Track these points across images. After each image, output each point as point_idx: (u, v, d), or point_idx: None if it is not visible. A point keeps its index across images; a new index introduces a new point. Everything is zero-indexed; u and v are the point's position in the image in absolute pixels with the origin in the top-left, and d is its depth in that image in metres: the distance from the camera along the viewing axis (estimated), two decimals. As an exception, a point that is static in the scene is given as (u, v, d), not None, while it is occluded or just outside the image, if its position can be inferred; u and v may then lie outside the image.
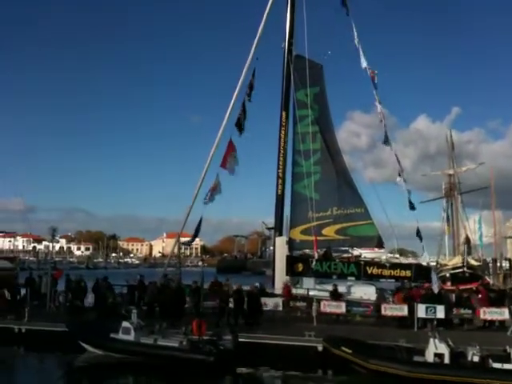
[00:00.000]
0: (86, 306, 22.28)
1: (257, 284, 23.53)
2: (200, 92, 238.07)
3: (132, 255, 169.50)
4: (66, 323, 18.60)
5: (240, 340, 16.49)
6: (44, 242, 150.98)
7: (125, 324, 17.03)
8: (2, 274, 24.52)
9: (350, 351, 15.11)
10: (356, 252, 42.91)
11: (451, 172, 61.26)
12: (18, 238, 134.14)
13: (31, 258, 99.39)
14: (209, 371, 15.63)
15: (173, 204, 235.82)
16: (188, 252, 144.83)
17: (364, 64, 26.90)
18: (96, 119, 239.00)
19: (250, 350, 16.54)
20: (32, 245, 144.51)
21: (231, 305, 20.04)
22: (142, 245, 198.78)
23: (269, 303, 21.33)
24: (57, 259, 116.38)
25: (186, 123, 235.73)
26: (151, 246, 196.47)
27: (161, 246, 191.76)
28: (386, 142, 26.55)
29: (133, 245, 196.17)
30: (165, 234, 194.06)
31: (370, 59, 27.57)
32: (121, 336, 16.94)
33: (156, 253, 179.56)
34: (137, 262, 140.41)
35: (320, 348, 16.59)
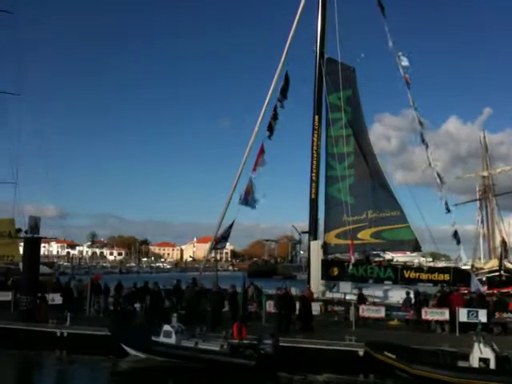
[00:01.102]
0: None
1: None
2: (229, 96, 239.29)
3: (163, 260, 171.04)
4: (109, 327, 18.89)
5: (280, 344, 16.48)
6: (78, 248, 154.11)
7: (166, 327, 17.22)
8: (42, 280, 24.97)
9: (393, 356, 14.94)
10: (388, 256, 42.52)
11: (485, 174, 60.23)
12: (53, 243, 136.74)
13: (65, 263, 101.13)
14: (250, 375, 15.69)
15: (202, 209, 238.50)
16: (218, 256, 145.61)
17: (405, 63, 26.58)
18: (126, 126, 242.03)
19: (290, 355, 16.54)
20: (66, 250, 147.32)
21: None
22: (172, 249, 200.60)
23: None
24: (90, 264, 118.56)
25: (215, 127, 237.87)
26: (182, 251, 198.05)
27: (191, 251, 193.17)
28: (423, 142, 26.24)
29: (164, 249, 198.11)
30: (195, 239, 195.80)
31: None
32: (162, 339, 17.13)
33: (187, 257, 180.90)
34: (168, 266, 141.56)
35: (361, 353, 16.46)
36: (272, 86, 28.12)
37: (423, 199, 29.00)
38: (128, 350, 18.04)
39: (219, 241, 27.31)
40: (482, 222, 60.30)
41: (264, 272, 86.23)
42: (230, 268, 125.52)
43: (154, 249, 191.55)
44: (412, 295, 22.15)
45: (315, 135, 28.15)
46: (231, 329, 17.04)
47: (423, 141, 26.37)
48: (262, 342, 16.27)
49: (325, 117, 28.41)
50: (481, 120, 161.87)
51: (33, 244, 22.02)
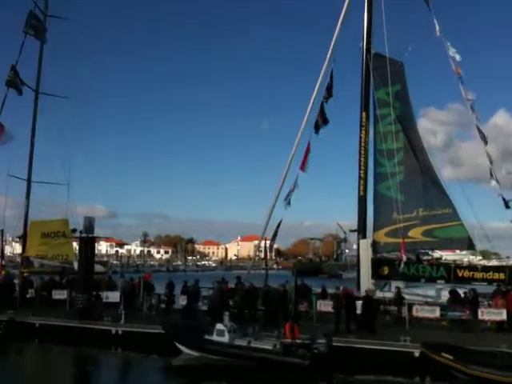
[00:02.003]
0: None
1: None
2: (270, 96, 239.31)
3: (208, 258, 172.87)
4: (162, 325, 19.19)
5: (334, 344, 16.34)
6: (126, 246, 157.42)
7: (219, 326, 17.37)
8: (97, 278, 25.62)
9: (450, 357, 14.60)
10: (437, 254, 41.49)
11: (540, 169, 58.00)
12: (102, 242, 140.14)
13: (114, 262, 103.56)
14: (303, 375, 15.63)
15: (245, 208, 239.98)
16: (262, 255, 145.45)
17: (456, 55, 25.85)
18: (170, 126, 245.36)
19: (343, 355, 16.39)
20: (115, 249, 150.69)
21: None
22: (217, 248, 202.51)
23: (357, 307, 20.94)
24: (138, 262, 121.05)
25: (255, 127, 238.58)
26: (226, 249, 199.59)
27: (236, 249, 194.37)
28: (481, 137, 25.44)
29: (209, 248, 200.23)
30: (239, 238, 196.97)
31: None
32: (215, 338, 17.28)
33: (231, 256, 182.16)
34: (213, 264, 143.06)
35: (416, 353, 16.14)
36: (318, 83, 27.85)
37: (472, 196, 27.99)
38: (181, 348, 18.28)
39: (271, 241, 27.37)
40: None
41: (309, 271, 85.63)
42: (275, 266, 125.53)
43: (199, 247, 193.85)
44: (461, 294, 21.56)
45: (363, 132, 27.71)
46: (283, 328, 17.00)
47: (481, 135, 25.52)
48: (315, 341, 16.17)
49: (372, 113, 27.95)
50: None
51: (88, 243, 22.63)
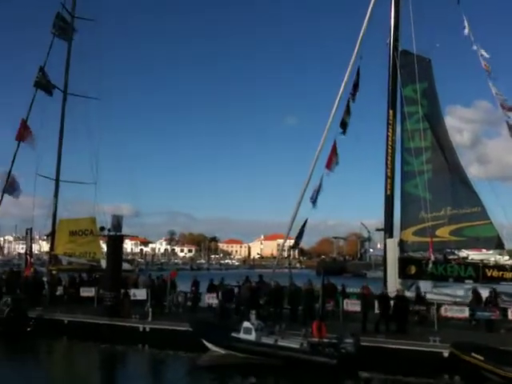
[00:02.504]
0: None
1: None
2: (296, 92, 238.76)
3: (231, 257, 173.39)
4: (190, 322, 19.32)
5: (361, 344, 16.23)
6: (150, 245, 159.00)
7: (246, 324, 17.40)
8: (124, 276, 25.89)
9: (481, 358, 14.36)
10: (463, 253, 40.85)
11: None
12: (127, 240, 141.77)
13: (139, 260, 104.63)
14: (330, 374, 15.54)
15: (268, 207, 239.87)
16: (285, 254, 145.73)
17: (485, 54, 25.41)
18: (190, 121, 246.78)
19: (371, 355, 16.25)
20: (139, 247, 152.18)
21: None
22: (240, 246, 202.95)
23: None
24: (163, 261, 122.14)
25: (281, 124, 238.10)
26: (249, 248, 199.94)
27: (259, 248, 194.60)
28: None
29: (232, 246, 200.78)
30: (262, 236, 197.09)
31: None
32: (242, 336, 17.32)
33: (254, 254, 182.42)
34: (237, 263, 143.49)
35: (446, 354, 15.94)
36: (344, 80, 27.63)
37: (499, 194, 27.29)
38: (208, 345, 18.36)
39: (297, 240, 27.27)
40: None
41: (333, 270, 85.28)
42: (298, 265, 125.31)
43: (223, 246, 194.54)
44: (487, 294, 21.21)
45: (390, 130, 27.42)
46: (310, 327, 16.94)
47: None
48: (342, 340, 16.08)
49: (399, 111, 27.65)
50: None
51: (116, 241, 22.89)
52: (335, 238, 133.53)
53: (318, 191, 26.24)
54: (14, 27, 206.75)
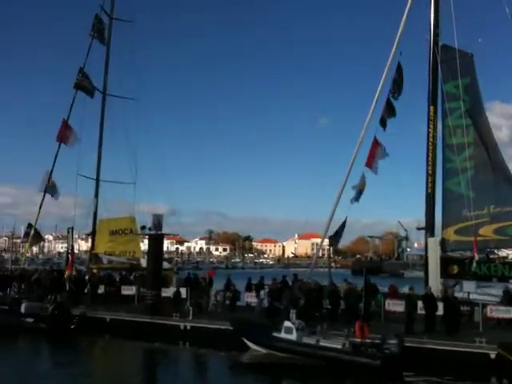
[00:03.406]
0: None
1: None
2: (328, 92, 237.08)
3: (266, 256, 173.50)
4: (231, 321, 19.34)
5: (405, 345, 15.93)
6: (186, 244, 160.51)
7: (287, 323, 17.31)
8: (164, 274, 26.12)
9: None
10: (503, 253, 39.70)
11: None
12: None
13: (176, 258, 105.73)
14: (373, 375, 15.31)
15: (302, 205, 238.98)
16: (320, 253, 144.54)
17: None
18: (225, 119, 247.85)
19: (415, 356, 15.95)
20: (175, 246, 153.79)
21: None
22: (274, 246, 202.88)
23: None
24: (198, 259, 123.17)
25: (313, 124, 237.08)
26: (283, 247, 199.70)
27: (293, 247, 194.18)
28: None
29: (266, 245, 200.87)
30: (296, 235, 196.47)
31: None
32: (283, 335, 17.22)
33: (288, 253, 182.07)
34: (271, 262, 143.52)
35: (493, 355, 15.51)
36: (383, 77, 27.23)
37: None
38: (249, 344, 18.35)
39: (336, 239, 27.01)
40: None
41: (369, 269, 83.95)
42: (333, 265, 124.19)
43: (257, 245, 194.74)
44: None
45: (431, 126, 26.88)
46: (353, 327, 16.73)
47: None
48: (385, 341, 15.81)
49: (440, 107, 27.08)
50: None
51: (157, 240, 23.13)
52: (371, 237, 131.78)
53: (361, 189, 25.94)
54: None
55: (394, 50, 27.10)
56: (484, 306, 19.55)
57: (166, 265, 28.68)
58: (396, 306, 20.42)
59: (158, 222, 22.84)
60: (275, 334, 17.46)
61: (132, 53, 32.53)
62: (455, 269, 24.82)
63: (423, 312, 19.14)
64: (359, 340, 16.26)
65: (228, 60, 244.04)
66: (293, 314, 17.90)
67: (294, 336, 17.03)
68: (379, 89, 27.18)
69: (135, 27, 33.42)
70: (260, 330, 18.40)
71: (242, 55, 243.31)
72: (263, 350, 17.94)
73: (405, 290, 24.87)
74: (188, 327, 20.79)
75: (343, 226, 26.17)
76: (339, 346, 16.23)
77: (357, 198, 26.08)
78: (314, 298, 20.91)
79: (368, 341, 16.25)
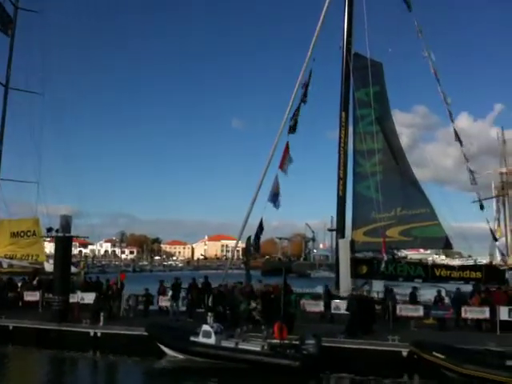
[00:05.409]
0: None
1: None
2: (242, 95, 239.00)
3: (175, 258, 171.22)
4: (146, 326, 18.65)
5: (323, 344, 16.19)
6: (90, 246, 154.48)
7: (205, 327, 16.99)
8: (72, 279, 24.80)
9: (442, 356, 14.63)
10: (402, 253, 41.87)
11: (504, 170, 59.51)
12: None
13: (83, 262, 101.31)
14: (293, 376, 15.40)
15: (211, 207, 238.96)
16: (229, 254, 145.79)
17: (431, 62, 26.15)
18: (136, 120, 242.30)
19: (332, 355, 16.25)
20: (78, 249, 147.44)
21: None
22: (184, 248, 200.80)
23: (341, 306, 20.93)
24: (103, 262, 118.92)
25: (226, 127, 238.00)
26: (193, 249, 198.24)
27: (203, 249, 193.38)
28: (458, 140, 25.84)
29: (175, 248, 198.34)
30: (206, 237, 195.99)
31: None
32: (201, 339, 16.88)
33: (198, 255, 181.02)
34: (180, 264, 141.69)
35: (405, 353, 16.16)
36: (297, 83, 27.77)
37: (435, 197, 28.27)
38: (166, 350, 17.81)
39: (257, 242, 27.13)
40: (499, 219, 59.68)
41: (278, 270, 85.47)
42: (242, 266, 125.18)
43: (166, 247, 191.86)
44: (444, 293, 21.82)
45: (342, 132, 27.75)
46: (271, 328, 16.74)
47: (458, 137, 25.90)
48: (304, 342, 15.97)
49: (352, 113, 28.03)
50: (492, 116, 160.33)
51: (64, 243, 21.87)
52: (279, 238, 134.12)
53: (277, 192, 26.23)
54: None
55: (308, 56, 27.74)
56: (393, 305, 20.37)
57: (73, 269, 27.24)
58: (312, 307, 20.77)
59: (66, 223, 21.59)
60: (193, 339, 17.07)
61: (41, 46, 30.67)
62: (364, 269, 25.76)
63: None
64: (278, 341, 16.29)
65: (146, 59, 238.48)
66: (210, 317, 17.63)
67: (212, 340, 16.74)
68: (293, 94, 27.73)
69: (44, 18, 31.59)
70: (177, 335, 17.91)
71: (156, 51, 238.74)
72: (181, 356, 17.48)
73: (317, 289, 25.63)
74: (99, 334, 19.79)
75: (261, 227, 26.36)
76: (258, 349, 16.16)
77: (273, 201, 26.36)
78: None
79: (286, 342, 16.33)
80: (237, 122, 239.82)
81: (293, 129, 27.63)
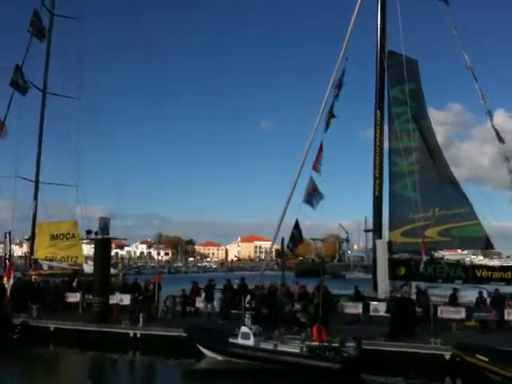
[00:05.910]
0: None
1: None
2: (271, 97, 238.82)
3: (209, 259, 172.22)
4: (185, 328, 18.75)
5: (364, 347, 15.97)
6: (126, 248, 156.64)
7: (244, 329, 16.96)
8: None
9: (486, 359, 14.26)
10: (439, 254, 41.11)
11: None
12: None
13: (121, 263, 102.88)
14: (333, 379, 15.24)
15: (244, 209, 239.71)
16: (263, 256, 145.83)
17: (467, 59, 25.58)
18: (170, 122, 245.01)
19: (373, 358, 16.01)
20: (115, 250, 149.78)
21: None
22: (217, 249, 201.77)
23: (380, 308, 20.63)
24: (139, 264, 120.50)
25: (255, 128, 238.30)
26: (226, 250, 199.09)
27: (236, 250, 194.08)
28: (499, 139, 25.20)
29: (209, 249, 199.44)
30: (239, 238, 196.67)
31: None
32: (240, 341, 16.87)
33: (231, 257, 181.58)
34: (214, 266, 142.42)
35: (447, 356, 15.80)
36: (331, 81, 27.54)
37: (472, 195, 27.58)
38: (204, 351, 17.86)
39: (294, 242, 27.01)
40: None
41: (312, 271, 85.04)
42: (276, 267, 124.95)
43: (200, 249, 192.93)
44: (485, 295, 21.25)
45: (377, 130, 27.40)
46: (310, 331, 16.62)
47: (499, 136, 25.25)
48: (344, 344, 15.78)
49: (387, 111, 27.64)
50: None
51: (104, 245, 22.19)
52: (313, 239, 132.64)
53: (312, 193, 26.06)
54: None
55: (341, 55, 27.44)
56: (434, 307, 19.97)
57: (112, 270, 27.67)
58: (350, 308, 20.54)
59: (104, 225, 21.91)
60: (232, 340, 17.07)
61: (78, 51, 31.26)
62: (402, 270, 25.35)
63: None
64: (317, 343, 16.16)
65: (177, 61, 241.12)
66: (248, 318, 17.60)
67: (251, 341, 16.70)
68: (327, 93, 27.43)
69: (81, 25, 32.16)
70: (216, 336, 17.95)
71: (189, 59, 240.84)
72: (219, 357, 17.50)
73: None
74: (138, 335, 19.99)
75: (298, 228, 26.22)
76: (297, 350, 16.05)
77: (309, 201, 26.20)
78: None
79: (326, 344, 16.19)
80: (266, 124, 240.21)
81: (325, 128, 27.42)
